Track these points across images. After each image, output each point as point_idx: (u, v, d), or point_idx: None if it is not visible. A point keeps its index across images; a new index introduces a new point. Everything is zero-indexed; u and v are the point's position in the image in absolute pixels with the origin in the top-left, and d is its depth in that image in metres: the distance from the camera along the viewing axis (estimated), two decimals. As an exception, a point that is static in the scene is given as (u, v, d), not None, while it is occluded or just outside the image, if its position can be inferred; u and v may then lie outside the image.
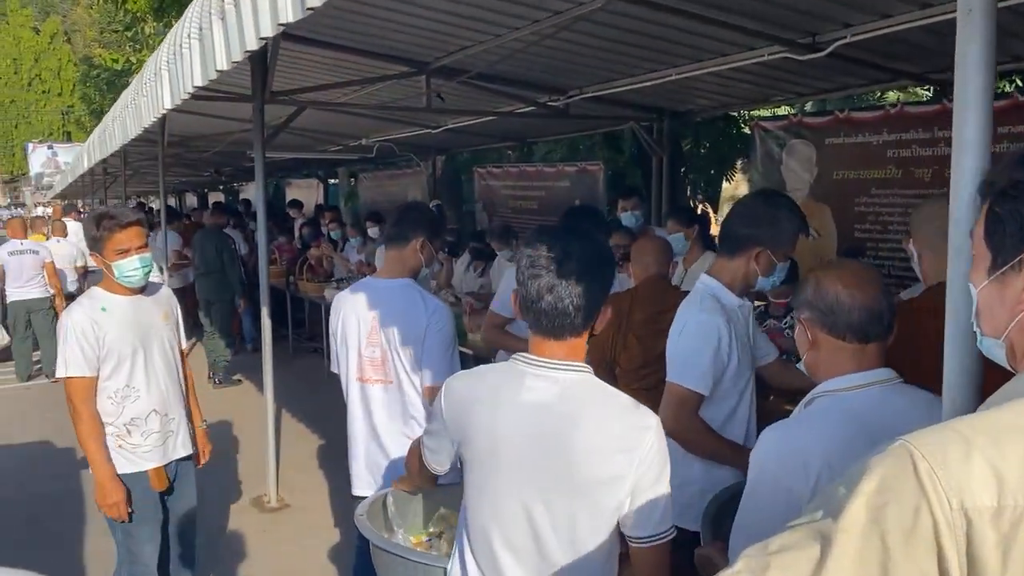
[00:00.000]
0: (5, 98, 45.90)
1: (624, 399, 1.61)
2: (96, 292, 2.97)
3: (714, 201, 10.26)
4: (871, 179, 5.14)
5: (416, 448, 1.88)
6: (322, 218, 9.95)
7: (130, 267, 2.89)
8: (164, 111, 3.84)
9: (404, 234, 2.84)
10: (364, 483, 2.92)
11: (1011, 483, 0.71)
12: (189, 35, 3.09)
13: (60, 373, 2.88)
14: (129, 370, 2.96)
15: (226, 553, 4.38)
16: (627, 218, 5.36)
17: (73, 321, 2.86)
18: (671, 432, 2.34)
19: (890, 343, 1.61)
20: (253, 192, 19.68)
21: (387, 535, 2.02)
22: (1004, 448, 0.73)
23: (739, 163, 9.49)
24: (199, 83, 3.07)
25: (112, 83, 21.38)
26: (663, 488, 1.56)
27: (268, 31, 2.27)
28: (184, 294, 9.51)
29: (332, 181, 16.66)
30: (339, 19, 4.59)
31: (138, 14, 17.92)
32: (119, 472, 2.94)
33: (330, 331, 2.98)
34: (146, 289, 3.05)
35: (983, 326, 0.94)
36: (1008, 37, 4.09)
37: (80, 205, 20.59)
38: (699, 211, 9.49)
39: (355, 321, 2.84)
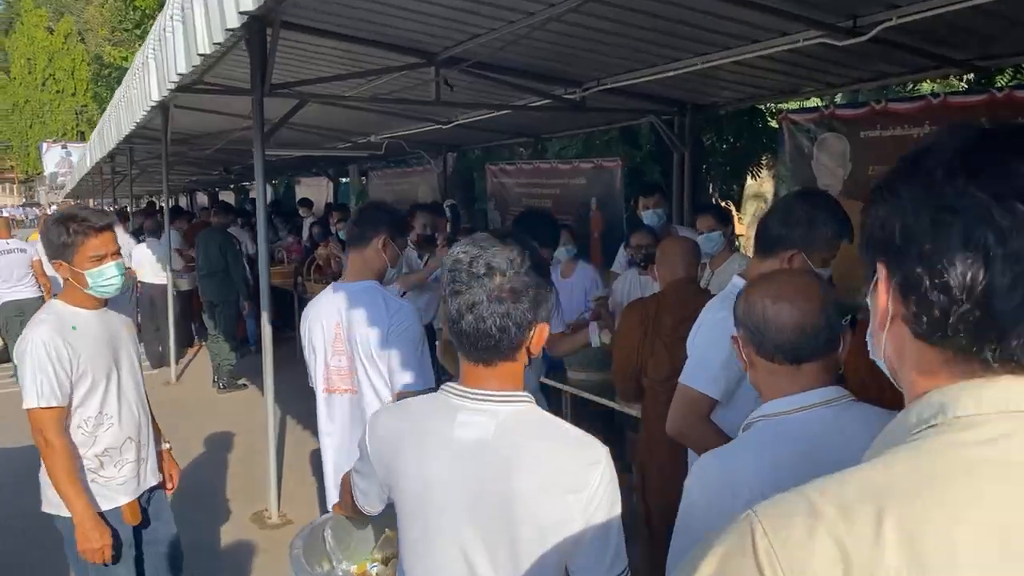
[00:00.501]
0: (20, 98, 46.11)
1: (570, 432, 1.45)
2: (60, 307, 2.62)
3: (736, 199, 9.88)
4: (911, 174, 4.79)
5: (348, 484, 1.72)
6: (330, 217, 9.71)
7: (108, 275, 2.58)
8: (153, 103, 3.60)
9: (364, 234, 2.71)
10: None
11: (858, 564, 0.63)
12: (172, 17, 2.83)
13: (30, 403, 2.48)
14: (103, 395, 2.66)
15: (223, 575, 4.12)
16: (649, 216, 5.06)
17: (43, 342, 2.50)
18: (676, 434, 2.23)
19: (843, 357, 1.49)
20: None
21: (327, 567, 1.86)
22: (854, 522, 0.65)
23: (763, 159, 9.11)
24: (183, 70, 2.81)
25: (122, 81, 21.24)
26: (615, 526, 1.41)
27: (249, 5, 1.99)
28: (193, 296, 9.31)
29: (343, 180, 16.43)
30: (341, 5, 4.31)
31: (147, 11, 17.82)
32: (101, 508, 2.66)
33: (303, 343, 2.83)
34: (107, 301, 2.75)
35: (871, 346, 0.83)
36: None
37: (92, 204, 20.45)
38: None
39: (320, 329, 2.71)
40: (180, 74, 2.81)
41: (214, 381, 8.11)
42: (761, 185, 9.26)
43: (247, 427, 6.53)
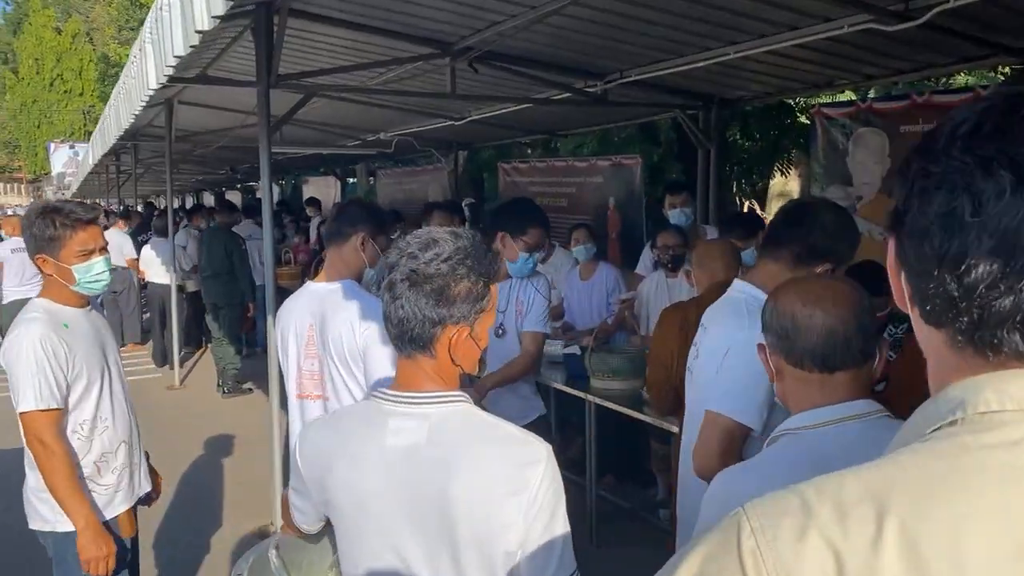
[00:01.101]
0: (28, 98, 46.04)
1: (507, 430, 1.38)
2: (48, 305, 2.46)
3: (761, 198, 9.56)
4: (956, 171, 4.51)
5: (287, 503, 1.64)
6: (338, 216, 9.45)
7: (97, 271, 2.46)
8: (151, 91, 3.35)
9: (342, 230, 2.58)
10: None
11: (853, 569, 0.58)
12: (169, -4, 2.58)
13: (28, 405, 2.33)
14: (97, 396, 2.52)
15: (223, 595, 3.88)
16: (676, 215, 4.79)
17: (40, 339, 2.35)
18: (712, 473, 1.95)
19: (877, 371, 1.41)
20: (270, 191, 19.32)
21: None
22: (849, 524, 0.59)
23: (789, 156, 8.78)
24: (181, 52, 2.55)
25: (127, 79, 21.08)
26: (559, 527, 1.33)
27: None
28: (200, 297, 9.07)
29: (351, 180, 16.21)
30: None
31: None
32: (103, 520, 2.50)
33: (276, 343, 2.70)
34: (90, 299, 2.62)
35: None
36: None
37: (105, 204, 20.22)
38: (746, 209, 8.87)
39: (293, 331, 2.57)
40: (178, 56, 2.56)
41: (218, 385, 7.87)
42: (786, 184, 8.95)
43: (251, 434, 6.27)
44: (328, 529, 1.63)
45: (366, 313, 2.43)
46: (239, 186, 21.07)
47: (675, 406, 3.08)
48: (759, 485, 1.24)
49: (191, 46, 2.41)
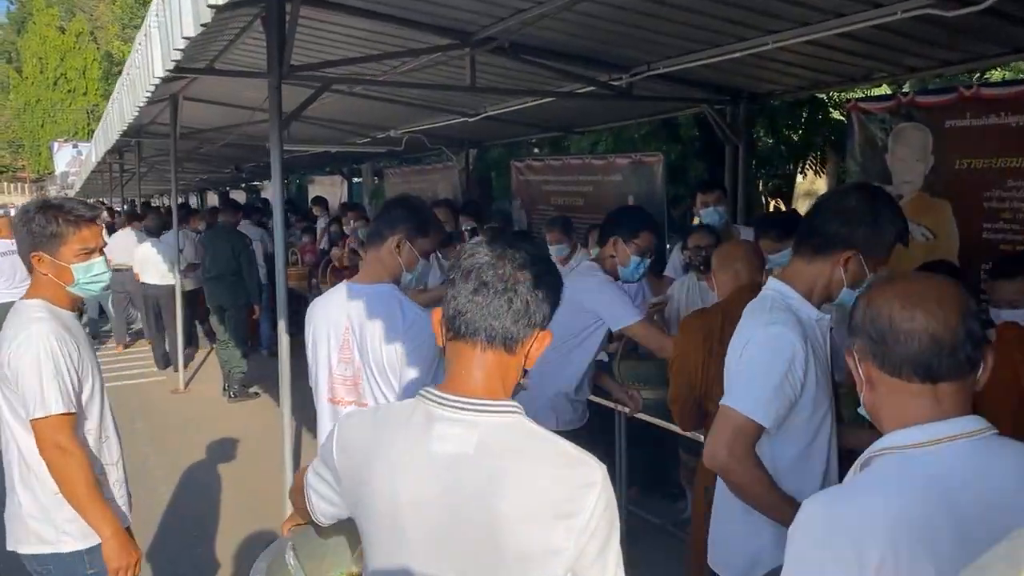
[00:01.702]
0: (31, 97, 45.95)
1: (563, 447, 1.28)
2: (45, 305, 2.29)
3: (787, 197, 9.28)
4: (1006, 168, 4.25)
5: (302, 485, 1.52)
6: (345, 217, 9.25)
7: (96, 271, 2.35)
8: (157, 79, 3.12)
9: (380, 231, 2.51)
10: None
11: None
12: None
13: (50, 409, 2.17)
14: (100, 404, 2.40)
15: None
16: (709, 214, 4.56)
17: (56, 339, 2.21)
18: (723, 467, 1.97)
19: (982, 382, 1.24)
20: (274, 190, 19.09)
21: None
22: None
23: (816, 153, 8.49)
24: (190, 32, 2.32)
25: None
26: (612, 558, 1.26)
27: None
28: (198, 296, 8.84)
29: (356, 180, 15.98)
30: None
31: (157, 5, 17.43)
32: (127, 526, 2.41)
33: (306, 344, 2.60)
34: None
35: None
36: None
37: (111, 203, 19.98)
38: (771, 208, 8.61)
39: (326, 333, 2.49)
40: (187, 38, 2.32)
41: (224, 389, 7.65)
42: (813, 182, 8.66)
43: (260, 440, 6.06)
44: (345, 525, 1.54)
45: (407, 323, 2.34)
46: (243, 185, 20.86)
47: (699, 420, 2.93)
48: (865, 512, 1.14)
49: (202, 24, 2.17)
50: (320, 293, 7.84)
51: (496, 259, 1.31)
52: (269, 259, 8.62)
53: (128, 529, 2.46)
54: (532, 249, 1.35)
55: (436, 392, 1.31)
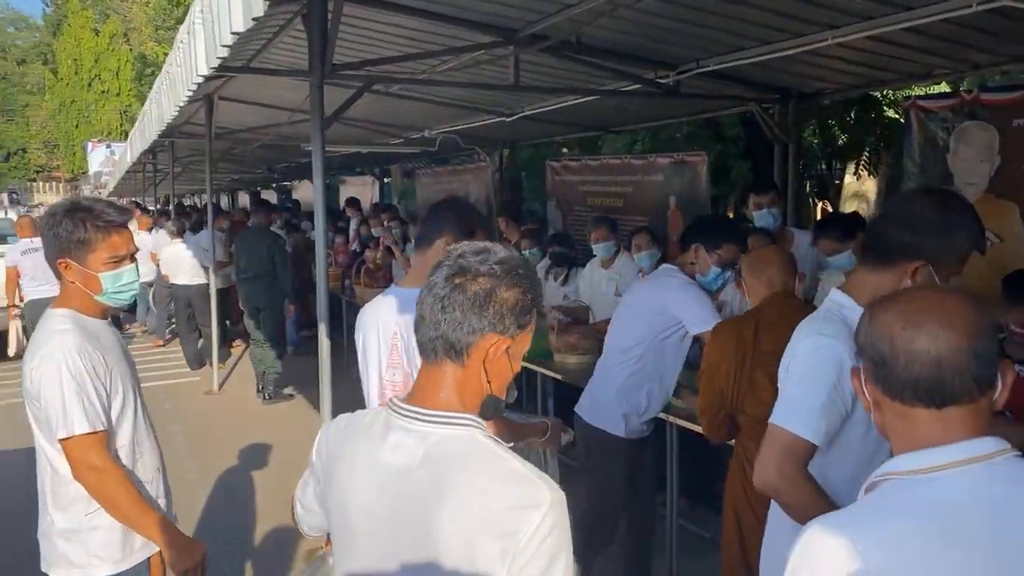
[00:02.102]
0: (66, 98, 46.72)
1: (513, 466, 1.23)
2: (72, 315, 2.16)
3: (835, 200, 9.02)
4: (1080, 169, 4.06)
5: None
6: (375, 218, 9.18)
7: (126, 280, 2.20)
8: (201, 77, 3.03)
9: (428, 234, 2.45)
10: None
11: None
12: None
13: (78, 428, 2.03)
14: (133, 418, 2.25)
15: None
16: (762, 217, 4.38)
17: (79, 354, 2.07)
18: (774, 488, 1.89)
19: (999, 402, 1.17)
20: (304, 191, 19.12)
21: None
22: None
23: (867, 153, 8.24)
24: (239, 27, 2.22)
25: (164, 77, 21.04)
26: None
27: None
28: (228, 295, 8.82)
29: (387, 180, 15.94)
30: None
31: (190, 5, 17.55)
32: (132, 562, 2.20)
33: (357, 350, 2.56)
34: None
35: None
36: None
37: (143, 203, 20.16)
38: (818, 210, 8.37)
39: (376, 338, 2.44)
40: (236, 33, 2.22)
41: (259, 390, 7.61)
42: (862, 184, 8.41)
43: (297, 444, 5.96)
44: None
45: None
46: (274, 185, 20.93)
47: (729, 433, 2.81)
48: (857, 539, 1.11)
49: (254, 18, 2.07)
50: (354, 295, 7.82)
51: (445, 267, 1.31)
52: (296, 260, 8.58)
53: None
54: (500, 253, 1.31)
55: (400, 402, 1.32)
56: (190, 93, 3.43)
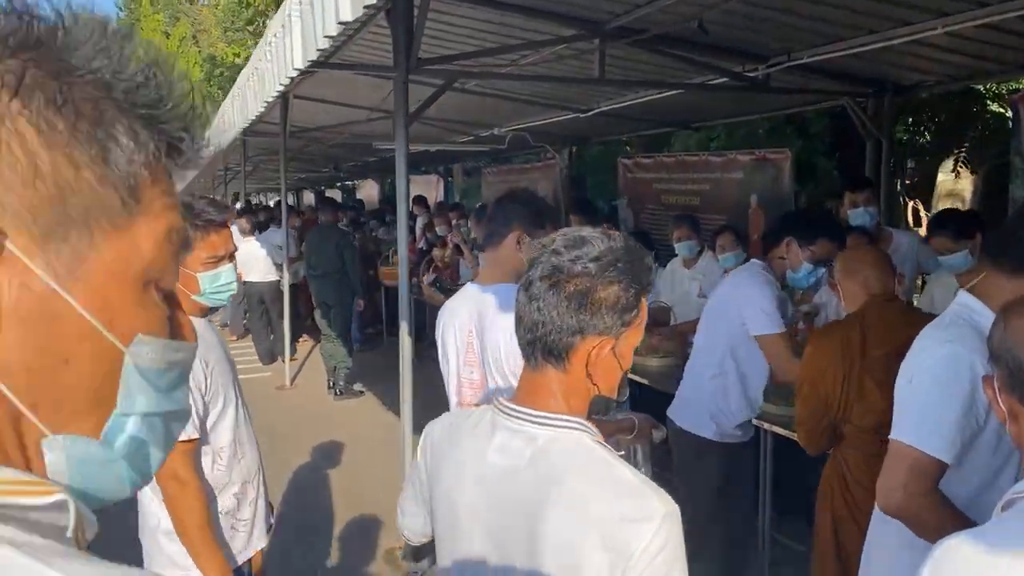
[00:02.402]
0: (139, 100, 48.45)
1: (623, 474, 1.17)
2: None
3: (927, 198, 8.62)
4: None
5: None
6: (442, 216, 9.16)
7: (224, 280, 2.14)
8: (295, 72, 3.01)
9: (497, 229, 2.42)
10: None
11: None
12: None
13: None
14: (234, 418, 2.22)
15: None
16: (859, 215, 4.19)
17: None
18: (901, 509, 1.79)
19: None
20: (367, 190, 19.29)
21: None
22: None
23: (965, 149, 7.84)
24: (347, 16, 2.17)
25: (234, 80, 21.48)
26: None
27: None
28: (298, 291, 8.92)
29: (451, 179, 15.99)
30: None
31: (259, 7, 17.86)
32: (236, 567, 2.20)
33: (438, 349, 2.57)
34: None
35: None
36: None
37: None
38: (910, 210, 8.02)
39: (453, 337, 2.46)
40: (343, 22, 2.16)
41: (330, 387, 7.66)
42: (956, 182, 8.03)
43: (368, 444, 5.98)
44: None
45: None
46: (338, 184, 21.20)
47: (829, 445, 2.68)
48: (999, 558, 1.03)
49: (365, 7, 2.01)
50: (421, 293, 7.81)
51: (540, 264, 1.22)
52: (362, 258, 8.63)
53: (249, 562, 2.30)
54: (598, 246, 1.20)
55: (506, 401, 1.28)
56: (281, 87, 3.41)
